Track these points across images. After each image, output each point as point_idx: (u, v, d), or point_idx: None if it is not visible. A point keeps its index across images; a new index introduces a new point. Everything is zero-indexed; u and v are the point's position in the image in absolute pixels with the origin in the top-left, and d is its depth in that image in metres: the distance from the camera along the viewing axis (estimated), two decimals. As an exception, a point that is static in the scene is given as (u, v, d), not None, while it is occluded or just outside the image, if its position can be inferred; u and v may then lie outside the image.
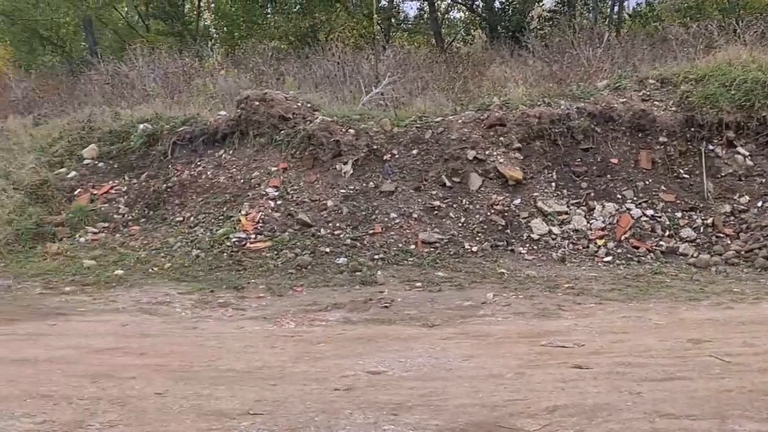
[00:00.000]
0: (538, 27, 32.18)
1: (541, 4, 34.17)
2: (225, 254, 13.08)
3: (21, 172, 15.70)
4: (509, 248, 13.09)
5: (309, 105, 15.23)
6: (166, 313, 10.79)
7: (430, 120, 14.83)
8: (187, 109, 17.28)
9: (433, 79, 18.39)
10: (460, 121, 14.62)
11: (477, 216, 13.56)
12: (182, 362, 8.41)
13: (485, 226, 13.41)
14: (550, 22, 32.10)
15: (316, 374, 7.89)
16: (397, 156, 14.41)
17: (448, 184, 13.91)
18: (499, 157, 14.11)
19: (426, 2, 35.69)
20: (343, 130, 14.61)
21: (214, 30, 40.70)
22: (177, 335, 9.64)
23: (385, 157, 14.36)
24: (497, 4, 35.02)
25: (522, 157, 14.19)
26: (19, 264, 13.69)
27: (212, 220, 13.93)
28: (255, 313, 10.72)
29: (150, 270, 12.90)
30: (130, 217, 14.74)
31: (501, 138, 14.34)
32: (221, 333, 9.69)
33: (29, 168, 15.72)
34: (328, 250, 13.02)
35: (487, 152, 14.16)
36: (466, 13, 37.66)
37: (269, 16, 37.51)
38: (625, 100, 14.84)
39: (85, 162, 16.17)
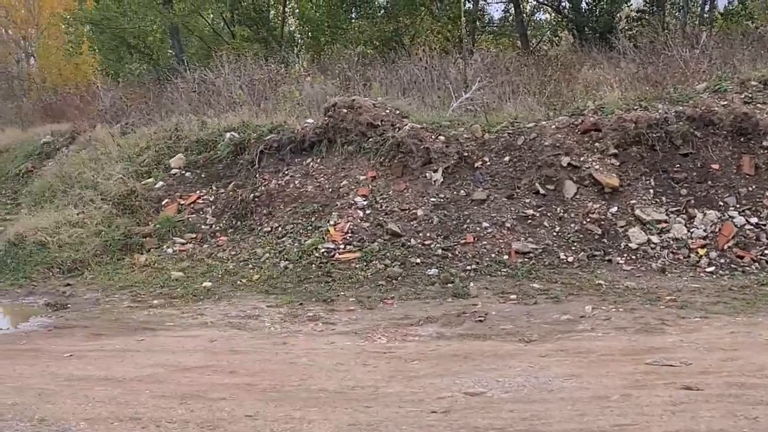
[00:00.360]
0: (627, 28, 31.45)
1: (629, 4, 33.41)
2: (314, 265, 12.82)
3: (109, 182, 15.66)
4: (606, 258, 12.58)
5: (397, 112, 14.91)
6: (255, 328, 10.55)
7: (522, 125, 14.38)
8: (273, 116, 17.11)
9: (522, 83, 17.91)
10: (553, 126, 14.14)
11: (572, 225, 13.08)
12: (273, 381, 8.15)
13: (581, 236, 12.92)
14: (639, 23, 31.36)
15: (411, 395, 7.57)
16: (488, 163, 14.01)
17: (541, 191, 13.45)
18: (594, 163, 13.61)
19: (511, 4, 35.18)
20: (433, 137, 14.25)
21: (298, 35, 40.73)
22: (267, 352, 9.39)
23: (476, 165, 13.96)
24: (584, 5, 34.40)
25: (618, 164, 13.66)
26: (107, 276, 13.61)
27: (300, 231, 13.68)
28: (345, 328, 10.42)
29: (238, 282, 12.71)
30: (217, 228, 14.58)
31: (596, 144, 13.83)
32: (312, 349, 9.41)
33: (117, 178, 15.68)
34: (418, 260, 12.67)
35: (581, 158, 13.67)
36: (552, 14, 37.07)
37: (353, 20, 37.39)
38: (726, 102, 14.20)
39: (173, 172, 16.08)
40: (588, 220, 13.05)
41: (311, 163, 14.91)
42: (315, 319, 10.84)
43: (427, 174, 13.95)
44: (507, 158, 14.00)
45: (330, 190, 14.20)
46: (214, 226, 14.64)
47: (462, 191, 13.72)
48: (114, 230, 14.62)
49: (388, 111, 14.80)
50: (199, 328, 10.62)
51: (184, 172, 16.03)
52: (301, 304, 11.54)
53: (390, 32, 32.43)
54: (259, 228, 14.18)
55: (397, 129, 14.37)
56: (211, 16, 40.20)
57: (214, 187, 15.47)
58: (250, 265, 13.19)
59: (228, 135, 15.95)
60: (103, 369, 8.81)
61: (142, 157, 16.74)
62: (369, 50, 29.29)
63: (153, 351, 9.54)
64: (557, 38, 34.90)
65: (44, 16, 46.12)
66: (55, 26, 45.67)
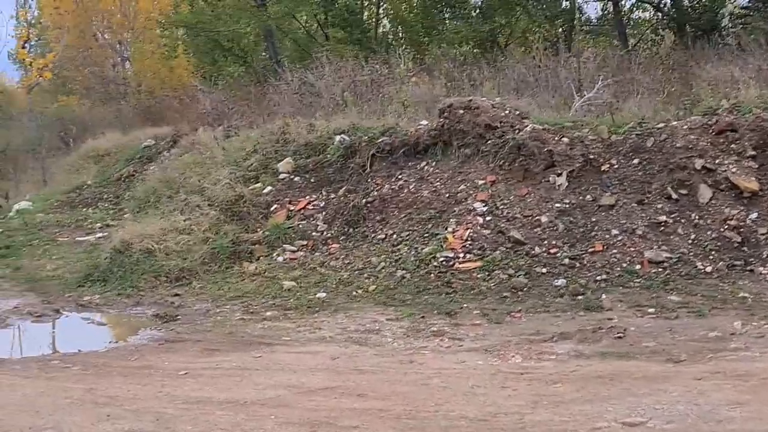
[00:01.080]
0: (730, 25, 30.33)
1: (732, 0, 32.22)
2: (432, 275, 12.13)
3: (216, 187, 15.17)
4: (748, 268, 11.64)
5: (517, 112, 14.13)
6: (378, 344, 9.90)
7: (651, 126, 13.48)
8: (380, 118, 16.45)
9: (646, 82, 16.99)
10: (685, 126, 13.22)
11: (709, 232, 12.16)
12: (406, 406, 7.50)
13: (719, 244, 12.00)
14: (743, 20, 30.19)
15: (561, 424, 6.87)
16: (616, 166, 13.14)
17: (674, 196, 12.55)
18: (731, 166, 12.66)
19: (610, 3, 34.17)
20: (556, 138, 13.44)
21: (391, 37, 40.33)
22: (394, 371, 8.73)
23: (602, 168, 13.11)
24: (686, 2, 33.32)
25: (757, 166, 12.69)
26: (216, 285, 13.10)
27: (417, 238, 13.00)
28: (474, 344, 9.71)
29: (354, 293, 12.08)
30: (329, 235, 13.97)
31: (732, 145, 12.88)
32: (442, 369, 8.73)
33: (224, 183, 15.17)
34: (544, 270, 11.89)
35: (716, 161, 12.74)
36: (652, 12, 35.97)
37: (448, 21, 36.85)
38: None
39: (281, 176, 15.52)
40: (726, 227, 12.13)
41: (426, 167, 14.22)
42: (440, 334, 10.16)
43: (551, 178, 13.16)
44: (636, 161, 13.13)
45: (447, 195, 13.48)
46: (325, 233, 14.04)
47: (588, 196, 12.89)
48: (222, 237, 14.10)
49: (507, 111, 14.03)
50: (317, 344, 10.01)
51: (292, 176, 15.46)
52: (422, 317, 10.86)
53: (485, 32, 31.80)
54: (373, 235, 13.54)
55: (517, 131, 13.60)
56: (305, 18, 39.97)
57: (324, 192, 14.87)
58: (365, 275, 12.55)
59: (338, 138, 15.33)
60: (221, 390, 8.24)
61: (249, 161, 16.21)
62: (468, 50, 28.57)
63: (272, 369, 8.96)
64: (659, 36, 33.82)
65: (140, 20, 46.43)
66: (150, 30, 45.93)
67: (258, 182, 15.50)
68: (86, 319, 12.28)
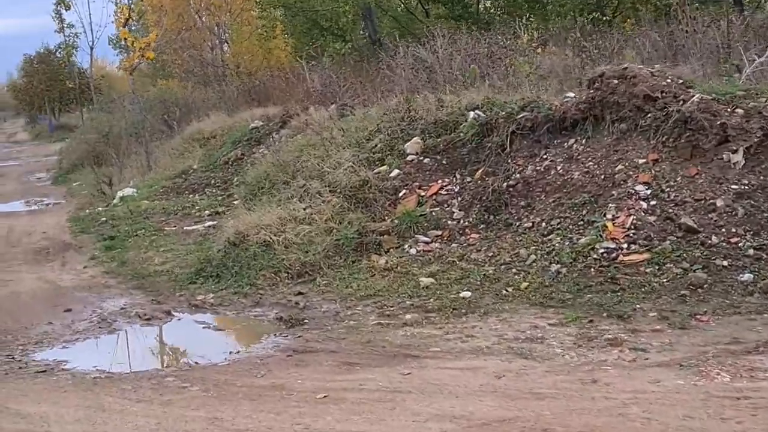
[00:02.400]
0: None
1: None
2: (592, 270, 10.48)
3: (337, 172, 13.70)
4: None
5: (680, 81, 12.33)
6: (545, 356, 8.33)
7: (841, 93, 11.60)
8: (512, 93, 14.80)
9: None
10: None
11: None
12: (611, 448, 5.93)
13: None
14: None
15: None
16: (800, 140, 11.30)
17: None
18: None
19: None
20: (729, 110, 11.63)
21: (494, 11, 38.93)
22: (578, 395, 7.17)
23: (785, 142, 11.29)
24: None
25: None
26: (344, 282, 11.64)
27: (570, 227, 11.34)
28: (662, 356, 8.09)
29: (503, 291, 10.49)
30: (466, 223, 12.40)
31: None
32: (636, 392, 7.13)
33: (347, 167, 13.68)
34: (725, 263, 10.13)
35: None
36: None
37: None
38: None
39: (409, 158, 13.94)
40: None
41: (575, 145, 12.51)
42: (617, 343, 8.55)
43: (724, 155, 11.34)
44: (826, 133, 11.26)
45: (602, 176, 11.77)
46: (462, 221, 12.47)
47: (770, 176, 11.08)
48: (347, 227, 12.65)
49: (668, 81, 12.24)
50: (473, 356, 8.50)
51: (421, 158, 13.87)
52: (590, 321, 9.25)
53: (593, 4, 29.89)
54: (518, 223, 11.92)
55: (682, 102, 11.81)
56: (405, -6, 38.98)
57: (458, 176, 13.26)
58: (514, 270, 10.95)
59: (472, 114, 13.70)
60: (373, 422, 6.82)
61: (373, 141, 14.65)
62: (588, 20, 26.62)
63: (428, 392, 7.46)
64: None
65: (237, 2, 45.57)
66: (247, 12, 45.20)
67: (383, 165, 13.96)
68: (201, 323, 10.96)
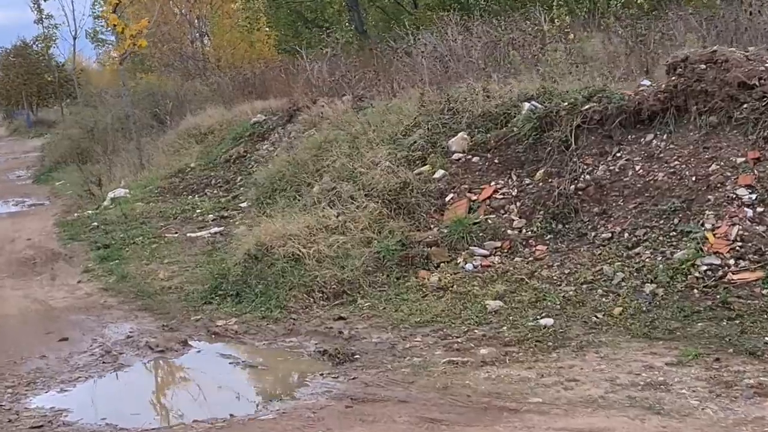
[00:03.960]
0: None
1: None
2: (696, 291, 8.74)
3: (372, 172, 11.87)
4: None
5: (780, 65, 10.57)
6: (681, 410, 6.57)
7: None
8: (563, 81, 13.04)
9: None
10: None
11: None
12: None
13: None
14: None
15: None
16: None
17: None
18: None
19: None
20: (842, 99, 9.89)
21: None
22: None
23: None
24: None
25: None
26: (391, 304, 9.86)
27: (659, 238, 9.57)
28: (830, 410, 6.34)
29: (593, 318, 8.71)
30: (529, 233, 10.61)
31: None
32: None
33: (384, 167, 11.86)
34: None
35: None
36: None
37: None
38: None
39: (454, 156, 12.08)
40: None
41: (654, 141, 10.72)
42: (764, 391, 6.76)
43: (840, 153, 9.62)
44: None
45: (693, 178, 10.00)
46: (524, 230, 10.68)
47: None
48: (387, 237, 10.85)
49: (767, 66, 10.47)
50: (589, 410, 6.72)
51: (469, 156, 12.01)
52: (716, 359, 7.49)
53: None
54: (593, 233, 10.14)
55: (784, 90, 10.06)
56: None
57: (514, 177, 11.44)
58: (600, 291, 9.17)
59: (527, 106, 11.89)
60: None
61: (411, 137, 12.80)
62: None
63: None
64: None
65: (218, -7, 44.12)
66: (228, 4, 43.90)
67: (425, 164, 12.14)
68: (226, 357, 9.13)
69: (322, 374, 8.14)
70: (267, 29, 41.11)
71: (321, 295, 10.27)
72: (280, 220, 11.65)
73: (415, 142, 12.54)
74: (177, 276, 12.48)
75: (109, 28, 28.32)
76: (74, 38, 50.97)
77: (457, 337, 8.71)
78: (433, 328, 9.05)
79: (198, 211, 17.24)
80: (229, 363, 8.94)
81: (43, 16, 62.62)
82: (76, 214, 19.10)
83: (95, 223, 17.25)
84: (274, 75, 26.94)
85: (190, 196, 18.85)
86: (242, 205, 16.67)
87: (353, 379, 7.90)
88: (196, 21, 47.20)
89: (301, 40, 36.13)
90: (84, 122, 34.36)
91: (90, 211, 19.04)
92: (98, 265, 13.81)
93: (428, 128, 12.64)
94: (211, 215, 16.61)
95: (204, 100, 28.50)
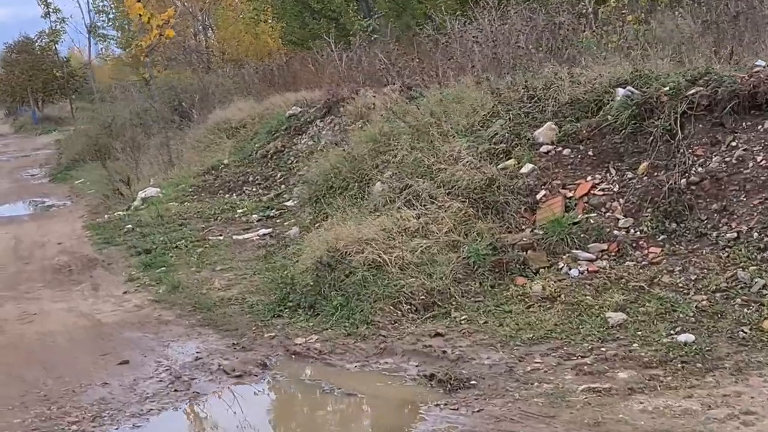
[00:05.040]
0: None
1: None
2: None
3: (453, 168, 10.75)
4: None
5: None
6: None
7: None
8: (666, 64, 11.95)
9: None
10: None
11: None
12: None
13: None
14: None
15: None
16: None
17: None
18: None
19: None
20: None
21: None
22: None
23: None
24: None
25: None
26: (492, 317, 8.76)
27: (798, 238, 8.47)
28: None
29: (740, 333, 7.58)
30: (638, 233, 9.48)
31: None
32: None
33: (465, 162, 10.73)
34: None
35: None
36: None
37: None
38: None
39: (542, 149, 10.93)
40: None
41: (775, 128, 9.63)
42: None
43: None
44: None
45: (826, 169, 8.90)
46: (632, 230, 9.55)
47: None
48: (476, 241, 9.74)
49: None
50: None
51: (559, 148, 10.87)
52: None
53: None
54: (714, 233, 9.01)
55: None
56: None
57: (613, 171, 10.30)
58: (738, 300, 8.06)
59: (621, 92, 10.73)
60: None
61: (492, 128, 11.66)
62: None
63: None
64: None
65: (222, -14, 43.41)
66: (233, -5, 43.38)
67: (510, 158, 11.00)
68: (315, 383, 8.00)
69: (438, 405, 7.03)
70: (272, 21, 40.77)
71: (408, 307, 9.15)
72: (352, 222, 10.51)
73: (496, 133, 11.39)
74: (234, 285, 11.37)
75: (130, 19, 26.94)
76: (89, 32, 49.56)
77: (582, 357, 7.60)
78: (550, 346, 7.93)
79: (239, 211, 16.12)
80: (323, 390, 7.82)
81: (50, 11, 61.34)
82: (106, 216, 17.96)
83: (129, 226, 16.12)
84: (301, 66, 25.77)
85: (228, 195, 17.73)
86: (288, 204, 15.56)
87: (478, 411, 6.80)
88: (199, 14, 46.22)
89: (308, 30, 35.45)
90: (101, 118, 33.22)
91: (121, 213, 17.92)
92: (142, 272, 12.69)
93: (509, 118, 11.49)
94: (255, 215, 15.50)
95: (226, 92, 27.36)
